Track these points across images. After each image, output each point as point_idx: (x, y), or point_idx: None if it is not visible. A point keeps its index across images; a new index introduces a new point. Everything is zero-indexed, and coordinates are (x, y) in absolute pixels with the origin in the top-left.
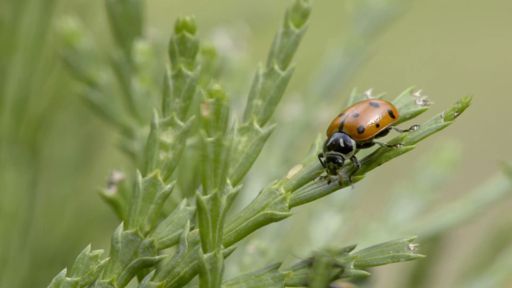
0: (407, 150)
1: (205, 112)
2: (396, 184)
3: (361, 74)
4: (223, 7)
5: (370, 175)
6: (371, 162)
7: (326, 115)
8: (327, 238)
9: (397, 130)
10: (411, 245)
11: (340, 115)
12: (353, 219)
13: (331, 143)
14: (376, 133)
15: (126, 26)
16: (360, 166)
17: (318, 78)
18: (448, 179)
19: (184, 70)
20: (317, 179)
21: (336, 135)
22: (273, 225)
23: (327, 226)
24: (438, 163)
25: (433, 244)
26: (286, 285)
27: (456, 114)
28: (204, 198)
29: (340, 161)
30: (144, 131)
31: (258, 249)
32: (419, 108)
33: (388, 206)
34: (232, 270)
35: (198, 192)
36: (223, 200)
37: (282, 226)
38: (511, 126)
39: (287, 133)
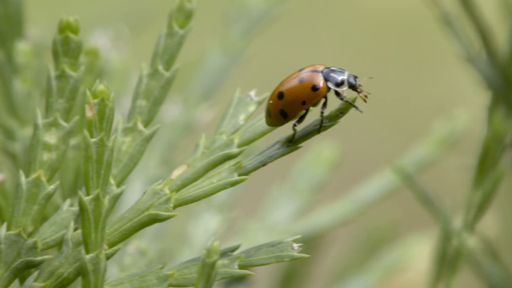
0: (292, 151)
1: (89, 113)
2: (275, 185)
3: (245, 74)
4: (102, 7)
5: (252, 175)
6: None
7: (207, 116)
8: (207, 238)
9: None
10: (295, 245)
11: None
12: (232, 219)
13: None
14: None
15: (6, 26)
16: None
17: (198, 79)
18: (328, 180)
19: (68, 70)
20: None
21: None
22: (153, 225)
23: (207, 226)
24: (317, 164)
25: (308, 244)
26: (170, 285)
27: (340, 115)
28: (86, 198)
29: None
30: (26, 132)
31: (138, 249)
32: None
33: (267, 206)
34: (112, 271)
35: (81, 192)
36: (106, 201)
37: (161, 226)
38: (393, 128)
39: (167, 134)
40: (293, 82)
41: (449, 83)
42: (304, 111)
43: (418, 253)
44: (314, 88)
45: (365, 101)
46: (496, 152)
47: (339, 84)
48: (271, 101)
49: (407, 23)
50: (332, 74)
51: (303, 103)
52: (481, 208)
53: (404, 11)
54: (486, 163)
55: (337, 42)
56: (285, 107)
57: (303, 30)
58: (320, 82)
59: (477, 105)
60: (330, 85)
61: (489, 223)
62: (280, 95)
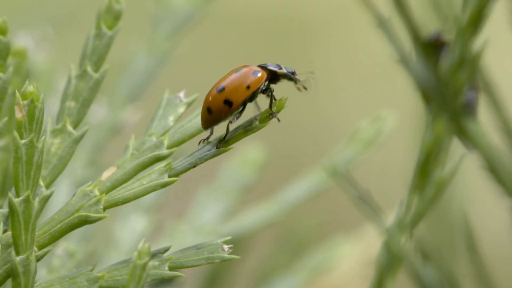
0: (222, 152)
1: (19, 114)
2: (203, 186)
3: (173, 75)
4: (26, 8)
5: (181, 177)
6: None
7: (134, 118)
8: (134, 239)
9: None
10: (225, 246)
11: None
12: (159, 221)
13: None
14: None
15: None
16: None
17: (124, 80)
18: (255, 181)
19: None
20: None
21: None
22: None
23: (134, 227)
24: (243, 165)
25: (235, 245)
26: (100, 287)
27: (270, 117)
28: (16, 200)
29: None
30: None
31: (66, 251)
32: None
33: (194, 207)
34: (41, 273)
35: (11, 194)
36: (36, 202)
37: (88, 228)
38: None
39: (93, 136)
40: (232, 76)
41: (379, 85)
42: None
43: (345, 254)
44: (256, 72)
45: (300, 90)
46: (438, 157)
47: (278, 68)
48: (211, 97)
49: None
50: (268, 65)
51: (248, 87)
52: (420, 212)
53: (271, 14)
54: (428, 167)
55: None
56: (230, 95)
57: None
58: (259, 69)
59: (408, 106)
60: (270, 67)
61: (421, 223)
62: (221, 89)
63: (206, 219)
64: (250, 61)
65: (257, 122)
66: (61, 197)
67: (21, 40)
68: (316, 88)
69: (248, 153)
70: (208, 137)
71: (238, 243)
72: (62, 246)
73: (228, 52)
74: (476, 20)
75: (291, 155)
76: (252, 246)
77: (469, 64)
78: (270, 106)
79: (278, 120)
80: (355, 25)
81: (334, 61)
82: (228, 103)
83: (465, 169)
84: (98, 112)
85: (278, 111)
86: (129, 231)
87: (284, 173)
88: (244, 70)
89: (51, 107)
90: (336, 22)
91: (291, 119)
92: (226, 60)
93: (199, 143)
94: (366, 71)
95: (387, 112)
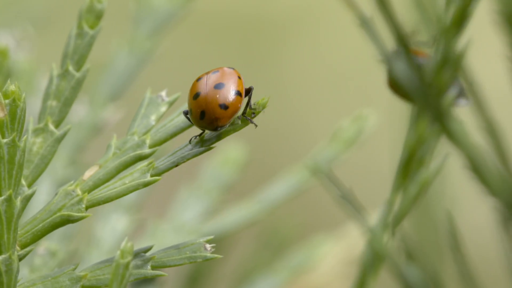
0: (205, 151)
1: (1, 113)
2: (183, 185)
3: (154, 74)
4: (5, 7)
5: (163, 176)
6: None
7: (115, 117)
8: (115, 238)
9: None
10: (208, 246)
11: None
12: (140, 220)
13: None
14: None
15: None
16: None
17: (105, 79)
18: (235, 180)
19: None
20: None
21: None
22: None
23: (115, 226)
24: (224, 164)
25: (216, 244)
26: (83, 286)
27: (253, 115)
28: None
29: None
30: None
31: (48, 250)
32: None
33: (175, 206)
34: (23, 272)
35: None
36: (18, 202)
37: (70, 227)
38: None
39: (74, 135)
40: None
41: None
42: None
43: (326, 254)
44: (239, 77)
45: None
46: (422, 156)
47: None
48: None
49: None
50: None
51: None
52: (402, 212)
53: (241, 13)
54: (410, 166)
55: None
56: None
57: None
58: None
59: (389, 105)
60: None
61: (404, 222)
62: (218, 85)
63: (187, 218)
64: (222, 60)
65: (239, 121)
66: (42, 196)
67: (1, 39)
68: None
69: (229, 152)
70: (201, 134)
71: (219, 242)
72: (44, 245)
73: (201, 51)
74: (460, 20)
75: (271, 154)
76: (234, 246)
77: (453, 64)
78: (249, 107)
79: (255, 125)
80: (325, 23)
81: (303, 59)
82: (224, 107)
83: (450, 169)
84: (79, 111)
85: (259, 112)
86: (110, 230)
87: (264, 172)
88: (226, 71)
89: (32, 107)
90: (306, 20)
91: (269, 118)
92: (200, 59)
93: (190, 140)
94: (337, 69)
95: (368, 111)
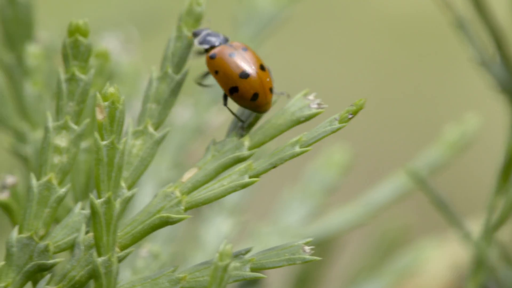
0: (302, 152)
1: (100, 116)
2: (287, 187)
3: None
4: (112, 9)
5: (263, 178)
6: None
7: (217, 119)
8: (220, 241)
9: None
10: (307, 248)
11: None
12: (244, 223)
13: None
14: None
15: (16, 29)
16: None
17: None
18: (340, 182)
19: (78, 73)
20: None
21: None
22: (165, 228)
23: (219, 229)
24: (328, 166)
25: (321, 247)
26: None
27: (350, 116)
28: (98, 201)
29: None
30: (37, 134)
31: (151, 252)
32: (314, 111)
33: (278, 209)
34: (125, 274)
35: (92, 195)
36: (117, 204)
37: (173, 230)
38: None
39: (178, 137)
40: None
41: (463, 86)
42: None
43: (431, 257)
44: None
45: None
46: None
47: None
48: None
49: (419, 27)
50: None
51: None
52: (503, 215)
53: (417, 15)
54: (510, 169)
55: (349, 45)
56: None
57: (314, 33)
58: None
59: (492, 109)
60: None
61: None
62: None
63: (290, 221)
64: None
65: (337, 122)
66: (146, 199)
67: (106, 42)
68: None
69: (333, 154)
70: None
71: (324, 245)
72: (147, 248)
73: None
74: None
75: (376, 156)
76: (343, 248)
77: None
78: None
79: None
80: None
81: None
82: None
83: None
84: (183, 114)
85: (357, 112)
86: (214, 232)
87: (367, 174)
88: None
89: (136, 109)
90: None
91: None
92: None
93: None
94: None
95: (471, 115)
